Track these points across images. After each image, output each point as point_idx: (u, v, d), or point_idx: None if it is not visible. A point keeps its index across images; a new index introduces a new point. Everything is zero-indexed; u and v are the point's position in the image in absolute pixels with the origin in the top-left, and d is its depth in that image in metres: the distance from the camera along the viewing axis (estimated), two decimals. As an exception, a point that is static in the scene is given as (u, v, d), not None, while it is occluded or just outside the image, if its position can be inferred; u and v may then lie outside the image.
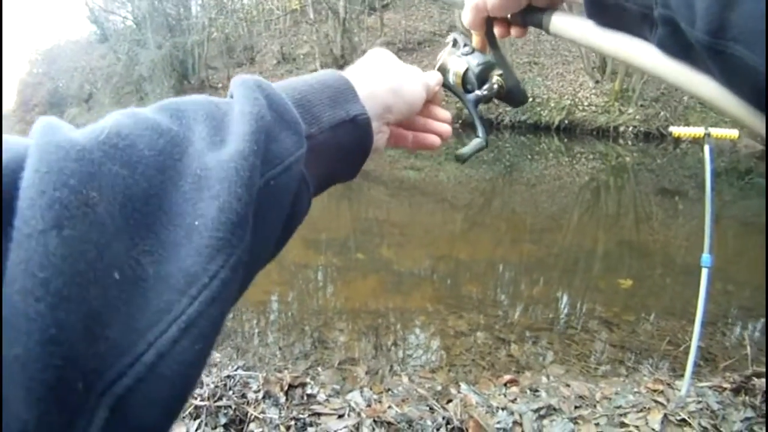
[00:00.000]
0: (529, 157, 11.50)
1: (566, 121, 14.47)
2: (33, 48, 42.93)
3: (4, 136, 0.34)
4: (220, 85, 25.68)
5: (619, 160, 11.05)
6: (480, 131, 0.87)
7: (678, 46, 0.51)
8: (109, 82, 31.96)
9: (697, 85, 0.53)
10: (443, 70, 0.87)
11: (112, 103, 31.61)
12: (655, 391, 2.71)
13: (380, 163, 11.75)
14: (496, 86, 0.84)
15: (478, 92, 0.84)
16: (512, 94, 0.88)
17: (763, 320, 3.73)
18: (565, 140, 13.44)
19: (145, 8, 28.02)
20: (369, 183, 10.08)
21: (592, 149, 12.17)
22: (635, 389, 2.73)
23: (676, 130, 2.69)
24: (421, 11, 23.37)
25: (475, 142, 0.87)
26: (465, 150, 0.87)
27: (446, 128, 0.76)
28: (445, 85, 0.87)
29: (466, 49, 0.84)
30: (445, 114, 0.77)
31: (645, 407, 2.54)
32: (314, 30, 20.94)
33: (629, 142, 12.79)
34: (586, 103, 14.62)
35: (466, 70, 0.84)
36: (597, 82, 14.89)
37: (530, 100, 14.74)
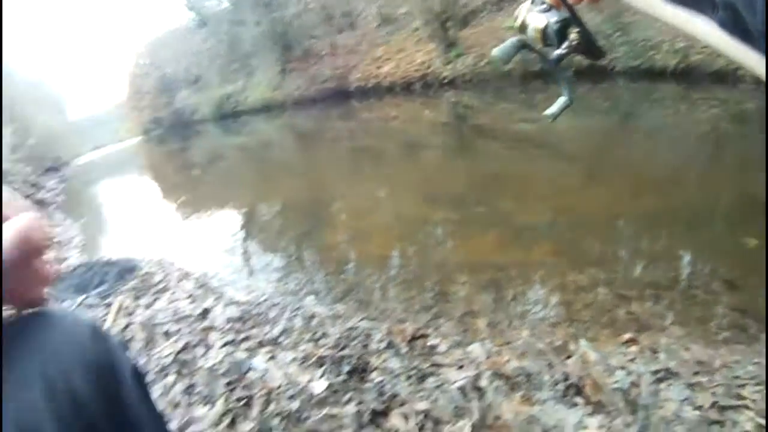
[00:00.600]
0: (646, 104, 10.93)
1: (682, 65, 13.58)
2: (137, 42, 45.41)
3: None
4: (324, 52, 25.93)
5: (740, 107, 10.25)
6: (565, 90, 0.89)
7: (737, 28, 0.56)
8: (214, 63, 33.12)
9: (752, 64, 0.58)
10: (523, 27, 0.91)
11: (220, 81, 32.88)
12: (776, 364, 2.53)
13: (494, 117, 11.60)
14: (574, 42, 0.87)
15: (558, 51, 0.88)
16: (590, 49, 0.90)
17: None
18: (682, 86, 12.65)
19: (239, -11, 28.66)
20: (483, 138, 9.98)
21: (710, 95, 11.34)
22: (755, 360, 2.54)
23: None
24: (520, -41, 22.52)
25: (561, 101, 0.91)
26: (552, 110, 0.91)
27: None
28: (527, 45, 0.91)
29: (544, 6, 0.90)
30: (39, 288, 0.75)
31: (763, 380, 2.36)
32: (412, -13, 20.63)
33: (750, 86, 11.88)
34: (701, 45, 13.64)
35: (546, 26, 0.88)
36: (713, 21, 13.88)
37: (642, 43, 13.99)
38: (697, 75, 13.19)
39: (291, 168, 11.17)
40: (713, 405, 2.25)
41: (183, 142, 25.27)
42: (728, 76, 12.51)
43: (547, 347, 2.84)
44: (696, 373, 2.46)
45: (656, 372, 2.49)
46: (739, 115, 9.44)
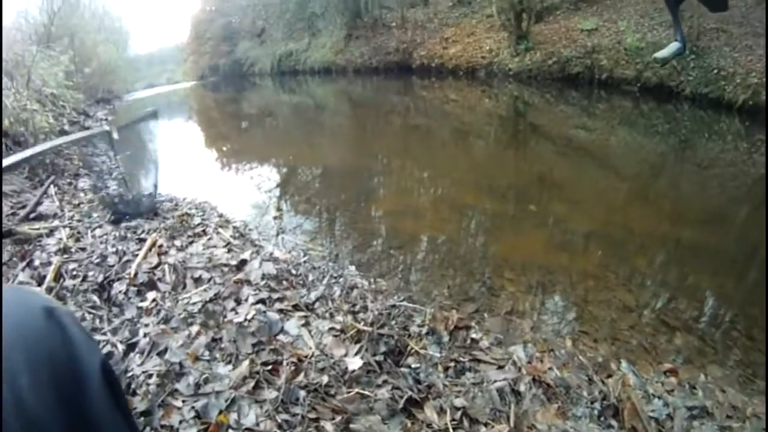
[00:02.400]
0: (706, 135, 10.58)
1: (750, 102, 13.11)
2: None
3: None
4: (393, 24, 25.84)
5: (802, 158, 9.90)
6: (678, 35, 0.85)
7: None
8: (282, 18, 33.42)
9: None
10: None
11: (284, 37, 33.21)
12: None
13: (552, 118, 11.43)
14: None
15: None
16: None
17: None
18: (747, 123, 12.20)
19: (319, -53, 28.73)
20: (537, 136, 9.86)
21: (776, 139, 11.02)
22: None
23: None
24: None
25: (673, 46, 0.89)
26: (663, 53, 0.89)
27: None
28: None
29: None
30: None
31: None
32: (492, -28, 20.35)
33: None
34: (776, 85, 13.12)
35: None
36: (791, 63, 13.27)
37: (714, 71, 13.60)
38: (765, 116, 12.74)
39: (341, 135, 11.16)
40: (741, 453, 2.15)
41: (237, 93, 25.51)
42: (799, 124, 12.04)
43: (588, 362, 2.73)
44: (729, 417, 2.38)
45: (692, 408, 2.40)
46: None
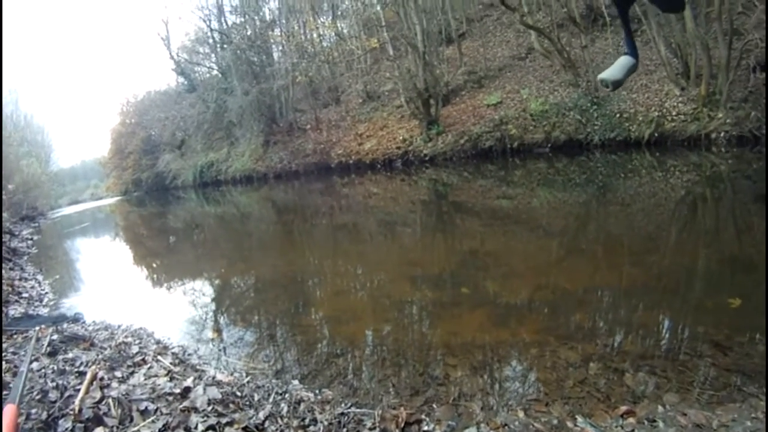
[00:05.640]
0: (622, 175, 11.15)
1: (656, 134, 14.00)
2: (123, 100, 46.55)
3: None
4: (308, 126, 26.50)
5: (713, 170, 10.53)
6: (629, 46, 0.77)
7: None
8: (200, 129, 33.78)
9: None
10: None
11: (204, 148, 33.47)
12: (772, 417, 2.51)
13: (472, 194, 11.76)
14: None
15: None
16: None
17: None
18: (657, 154, 12.98)
19: (229, 58, 29.57)
20: (462, 214, 10.07)
21: (685, 161, 11.71)
22: (752, 415, 2.56)
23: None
24: (497, 37, 23.36)
25: (624, 61, 0.77)
26: (612, 73, 0.77)
27: None
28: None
29: None
30: None
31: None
32: (396, 66, 21.28)
33: (722, 149, 12.20)
34: (674, 113, 14.06)
35: None
36: (683, 89, 14.26)
37: (617, 116, 14.40)
38: (671, 142, 13.57)
39: (269, 242, 11.13)
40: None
41: (162, 207, 25.30)
42: (701, 140, 12.90)
43: (544, 427, 2.77)
44: (695, 437, 2.39)
45: (656, 440, 2.40)
46: (713, 177, 9.68)
